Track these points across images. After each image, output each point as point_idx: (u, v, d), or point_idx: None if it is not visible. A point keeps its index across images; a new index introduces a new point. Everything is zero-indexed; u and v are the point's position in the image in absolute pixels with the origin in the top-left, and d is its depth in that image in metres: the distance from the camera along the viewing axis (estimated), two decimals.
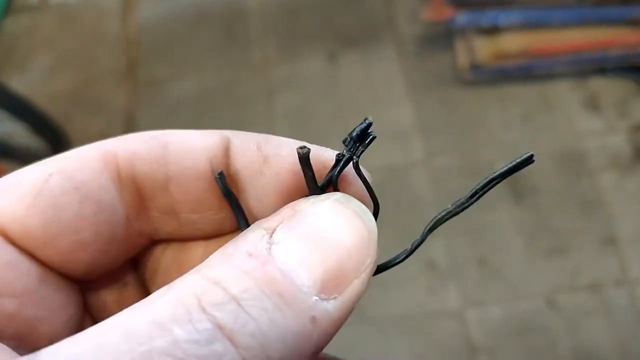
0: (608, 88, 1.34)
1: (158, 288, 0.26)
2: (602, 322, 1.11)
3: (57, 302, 0.23)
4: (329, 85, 1.39)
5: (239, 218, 0.24)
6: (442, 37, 1.40)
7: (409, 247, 0.24)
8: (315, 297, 0.18)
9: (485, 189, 0.24)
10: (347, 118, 1.34)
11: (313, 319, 0.18)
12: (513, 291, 1.15)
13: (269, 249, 0.19)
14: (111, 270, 0.25)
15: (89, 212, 0.22)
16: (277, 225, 0.20)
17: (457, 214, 0.24)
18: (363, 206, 0.22)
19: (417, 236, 0.24)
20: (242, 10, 1.52)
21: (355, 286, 0.19)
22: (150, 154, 0.23)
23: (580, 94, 1.33)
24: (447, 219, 0.24)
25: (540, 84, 1.35)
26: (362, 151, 0.23)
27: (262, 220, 0.21)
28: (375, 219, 0.22)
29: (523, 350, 1.11)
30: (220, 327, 0.17)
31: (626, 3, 1.35)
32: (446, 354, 1.12)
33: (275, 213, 0.21)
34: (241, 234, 0.20)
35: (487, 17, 1.36)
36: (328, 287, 0.19)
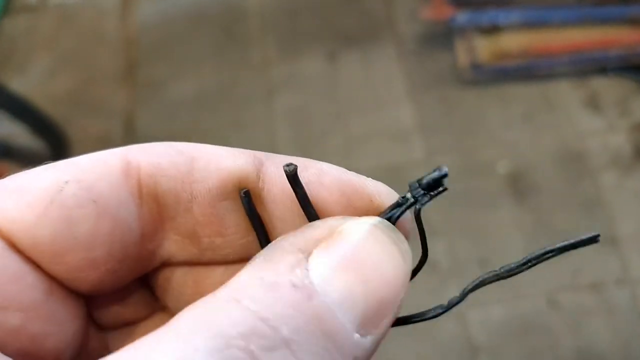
0: (608, 87, 1.34)
1: (170, 305, 0.25)
2: (603, 321, 1.11)
3: (63, 316, 0.21)
4: (329, 85, 1.39)
5: (262, 242, 0.23)
6: (442, 36, 1.40)
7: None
8: (357, 335, 0.18)
9: (539, 260, 0.23)
10: (347, 117, 1.33)
11: (355, 359, 0.17)
12: (514, 291, 1.15)
13: (309, 276, 0.18)
14: (117, 288, 0.24)
15: (104, 229, 0.21)
16: (314, 248, 0.19)
17: (503, 278, 0.23)
18: (402, 235, 0.21)
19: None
20: (241, 10, 1.52)
21: (388, 321, 0.19)
22: (176, 170, 0.21)
23: (581, 93, 1.33)
24: (491, 282, 0.24)
25: (540, 83, 1.35)
26: (428, 200, 0.21)
27: (293, 236, 0.20)
28: (420, 269, 0.22)
29: (524, 350, 1.11)
30: None
31: (626, 2, 1.34)
32: (447, 354, 1.12)
33: (308, 229, 0.20)
34: (272, 250, 0.19)
35: (487, 16, 1.36)
36: (368, 323, 0.18)
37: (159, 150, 0.22)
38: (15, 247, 0.20)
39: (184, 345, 0.16)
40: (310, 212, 0.21)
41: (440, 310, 0.23)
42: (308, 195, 0.21)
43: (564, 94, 1.33)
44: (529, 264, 0.23)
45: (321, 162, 0.22)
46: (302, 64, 1.42)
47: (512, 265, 0.23)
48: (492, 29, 1.37)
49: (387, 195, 0.22)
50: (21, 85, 1.43)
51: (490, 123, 1.32)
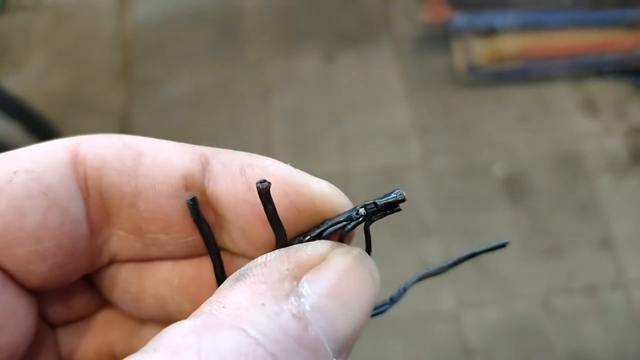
0: (605, 90, 1.34)
1: (115, 302, 0.25)
2: (597, 324, 1.11)
3: (16, 311, 0.21)
4: (325, 85, 1.39)
5: (211, 250, 0.23)
6: (440, 38, 1.40)
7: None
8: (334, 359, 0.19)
9: (463, 261, 0.26)
10: (343, 117, 1.33)
11: None
12: (509, 293, 1.15)
13: (301, 303, 0.19)
14: (65, 284, 0.23)
15: (54, 221, 0.20)
16: (304, 273, 0.20)
17: (434, 275, 0.26)
18: (375, 266, 0.22)
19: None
20: (238, 9, 1.52)
21: (355, 342, 0.20)
22: (121, 163, 0.21)
23: (577, 96, 1.33)
24: (425, 278, 0.26)
25: (537, 86, 1.35)
26: (381, 217, 0.22)
27: (283, 257, 0.20)
28: None
29: (518, 352, 1.11)
30: None
31: (623, 5, 1.35)
32: (441, 356, 1.12)
33: (296, 252, 0.20)
34: (266, 270, 0.19)
35: (485, 18, 1.36)
36: (344, 350, 0.19)
37: (106, 142, 0.22)
38: None
39: None
40: (279, 227, 0.22)
41: (387, 306, 0.25)
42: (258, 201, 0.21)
43: (560, 96, 1.34)
44: (454, 264, 0.26)
45: (266, 159, 0.22)
46: (298, 63, 1.42)
47: (442, 265, 0.26)
48: (489, 31, 1.37)
49: (330, 197, 0.22)
50: (16, 83, 1.42)
51: (486, 125, 1.32)
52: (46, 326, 0.24)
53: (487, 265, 1.17)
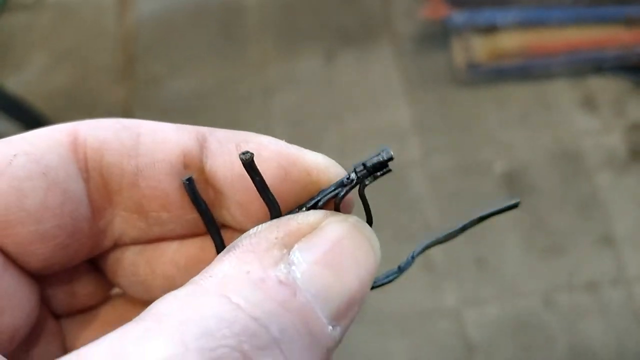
0: (605, 87, 1.34)
1: (124, 287, 0.25)
2: (598, 321, 1.11)
3: (17, 293, 0.21)
4: (326, 84, 1.39)
5: (210, 228, 0.23)
6: (439, 36, 1.40)
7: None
8: (329, 327, 0.19)
9: (473, 225, 0.25)
10: (343, 116, 1.34)
11: (328, 350, 0.18)
12: (510, 290, 1.15)
13: (293, 271, 0.19)
14: (68, 267, 0.24)
15: (54, 201, 0.21)
16: (295, 242, 0.20)
17: (443, 242, 0.25)
18: (374, 234, 0.21)
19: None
20: (239, 7, 1.52)
21: (355, 313, 0.20)
22: (120, 144, 0.22)
23: (577, 93, 1.34)
24: (434, 245, 0.25)
25: (537, 83, 1.35)
26: (372, 181, 0.22)
27: (276, 227, 0.20)
28: None
29: (520, 348, 1.11)
30: None
31: (622, 2, 1.35)
32: (444, 353, 1.12)
33: (288, 222, 0.20)
34: (255, 240, 0.20)
35: (484, 16, 1.36)
36: (340, 317, 0.19)
37: (105, 125, 0.22)
38: None
39: (174, 343, 0.16)
40: (270, 198, 0.22)
41: (395, 275, 0.25)
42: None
43: (560, 93, 1.34)
44: (465, 229, 0.25)
45: (262, 136, 0.23)
46: (299, 62, 1.42)
47: (450, 231, 0.25)
48: (489, 29, 1.37)
49: (325, 168, 0.23)
50: (18, 82, 1.42)
51: (486, 123, 1.32)
52: (50, 315, 0.25)
53: (489, 262, 1.17)
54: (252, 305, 0.17)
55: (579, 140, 1.28)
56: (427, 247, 0.25)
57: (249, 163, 0.21)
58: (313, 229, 0.20)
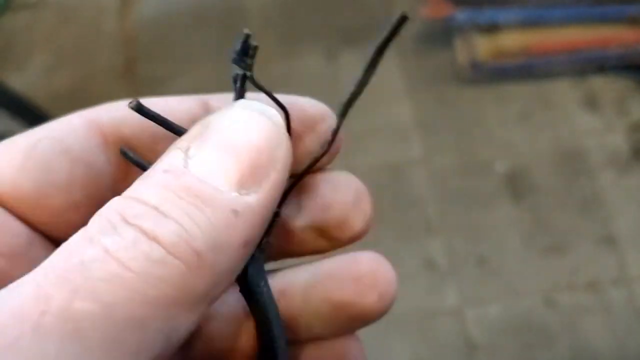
0: (607, 86, 1.34)
1: None
2: (600, 320, 1.12)
3: None
4: (327, 83, 1.39)
5: None
6: (441, 35, 1.40)
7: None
8: (235, 194, 0.19)
9: (378, 58, 0.25)
10: (346, 115, 1.33)
11: (235, 212, 0.19)
12: (512, 289, 1.15)
13: (186, 165, 0.20)
14: None
15: (79, 173, 0.23)
16: (191, 143, 0.20)
17: (360, 92, 0.26)
18: (264, 105, 0.22)
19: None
20: (240, 8, 1.52)
21: (273, 178, 0.20)
22: (134, 118, 0.23)
23: (579, 92, 1.34)
24: (354, 99, 0.26)
25: (539, 82, 1.35)
26: (252, 63, 0.24)
27: (176, 141, 0.21)
28: (288, 126, 0.23)
29: (521, 347, 1.11)
30: (144, 232, 0.18)
31: (625, 1, 1.35)
32: (445, 352, 1.12)
33: (187, 132, 0.21)
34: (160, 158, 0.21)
35: (487, 15, 1.37)
36: (246, 183, 0.20)
37: (117, 106, 0.25)
38: None
39: (84, 230, 0.19)
40: (177, 129, 0.23)
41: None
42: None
43: (562, 93, 1.34)
44: (370, 68, 0.25)
45: (262, 94, 0.24)
46: (301, 61, 1.43)
47: (359, 77, 0.25)
48: (491, 28, 1.37)
49: (315, 102, 0.25)
50: (20, 81, 1.43)
51: (488, 122, 1.32)
52: None
53: (490, 261, 1.17)
54: (133, 192, 0.19)
55: (581, 140, 1.28)
56: (349, 104, 0.26)
57: (138, 109, 0.21)
58: (206, 127, 0.21)
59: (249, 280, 0.23)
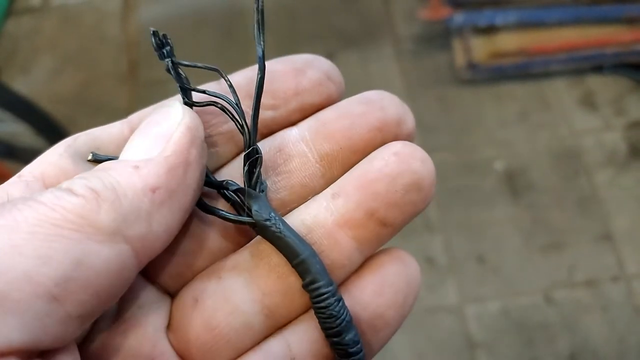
0: (604, 86, 1.35)
1: None
2: (599, 317, 1.12)
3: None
4: None
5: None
6: (440, 36, 1.41)
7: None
8: (139, 158, 0.24)
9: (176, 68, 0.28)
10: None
11: (135, 167, 0.23)
12: (511, 287, 1.16)
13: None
14: None
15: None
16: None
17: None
18: (176, 101, 0.27)
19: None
20: (241, 11, 1.53)
21: (175, 139, 0.24)
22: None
23: (577, 92, 1.34)
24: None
25: (536, 82, 1.36)
26: (170, 48, 0.27)
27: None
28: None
29: (521, 345, 1.12)
30: (64, 189, 0.22)
31: (621, 1, 1.35)
32: (445, 349, 1.13)
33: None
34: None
35: (484, 16, 1.37)
36: (149, 149, 0.24)
37: (144, 111, 0.30)
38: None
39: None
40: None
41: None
42: None
43: (559, 92, 1.35)
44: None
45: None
46: None
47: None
48: (489, 29, 1.38)
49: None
50: (24, 85, 1.44)
51: (486, 122, 1.33)
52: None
53: (490, 259, 1.18)
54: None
55: (579, 139, 1.29)
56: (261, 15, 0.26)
57: (94, 159, 0.26)
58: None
59: (254, 215, 0.25)
